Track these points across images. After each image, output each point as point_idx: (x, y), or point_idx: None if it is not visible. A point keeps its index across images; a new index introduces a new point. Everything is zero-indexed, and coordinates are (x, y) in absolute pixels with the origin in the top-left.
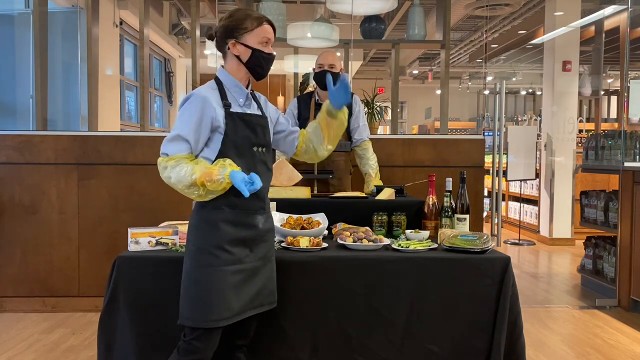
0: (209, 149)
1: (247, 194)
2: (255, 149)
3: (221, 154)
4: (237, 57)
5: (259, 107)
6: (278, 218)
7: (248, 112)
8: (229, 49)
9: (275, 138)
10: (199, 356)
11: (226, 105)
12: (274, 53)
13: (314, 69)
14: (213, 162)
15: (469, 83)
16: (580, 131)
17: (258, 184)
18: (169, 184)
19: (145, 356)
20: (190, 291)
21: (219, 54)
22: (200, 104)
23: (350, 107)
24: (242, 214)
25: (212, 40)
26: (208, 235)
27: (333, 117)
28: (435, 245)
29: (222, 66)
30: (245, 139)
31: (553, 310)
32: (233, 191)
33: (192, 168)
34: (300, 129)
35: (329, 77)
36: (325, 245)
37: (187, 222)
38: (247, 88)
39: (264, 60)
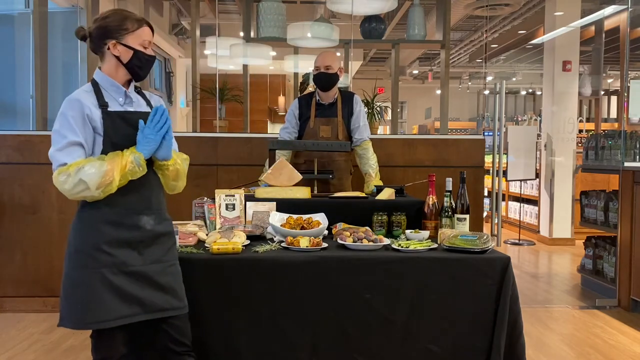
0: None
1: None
2: None
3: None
4: (117, 57)
5: (148, 104)
6: (278, 218)
7: (130, 109)
8: (108, 49)
9: None
10: (103, 355)
11: (102, 106)
12: (155, 55)
13: (313, 70)
14: None
15: (469, 83)
16: (580, 131)
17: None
18: (71, 195)
19: None
20: (67, 293)
21: (218, 54)
22: (75, 105)
23: (350, 107)
24: (123, 213)
25: (85, 40)
26: (86, 236)
27: (159, 167)
28: (435, 245)
29: (99, 67)
30: (126, 138)
31: (553, 310)
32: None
33: (100, 161)
34: (302, 128)
35: (141, 123)
36: (325, 245)
37: (187, 222)
38: (127, 88)
39: (145, 61)
